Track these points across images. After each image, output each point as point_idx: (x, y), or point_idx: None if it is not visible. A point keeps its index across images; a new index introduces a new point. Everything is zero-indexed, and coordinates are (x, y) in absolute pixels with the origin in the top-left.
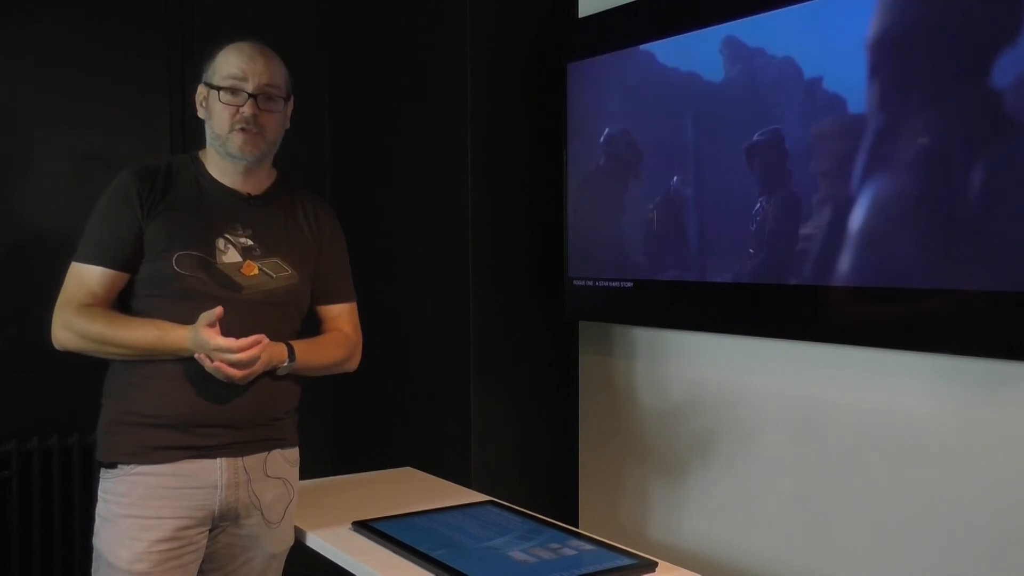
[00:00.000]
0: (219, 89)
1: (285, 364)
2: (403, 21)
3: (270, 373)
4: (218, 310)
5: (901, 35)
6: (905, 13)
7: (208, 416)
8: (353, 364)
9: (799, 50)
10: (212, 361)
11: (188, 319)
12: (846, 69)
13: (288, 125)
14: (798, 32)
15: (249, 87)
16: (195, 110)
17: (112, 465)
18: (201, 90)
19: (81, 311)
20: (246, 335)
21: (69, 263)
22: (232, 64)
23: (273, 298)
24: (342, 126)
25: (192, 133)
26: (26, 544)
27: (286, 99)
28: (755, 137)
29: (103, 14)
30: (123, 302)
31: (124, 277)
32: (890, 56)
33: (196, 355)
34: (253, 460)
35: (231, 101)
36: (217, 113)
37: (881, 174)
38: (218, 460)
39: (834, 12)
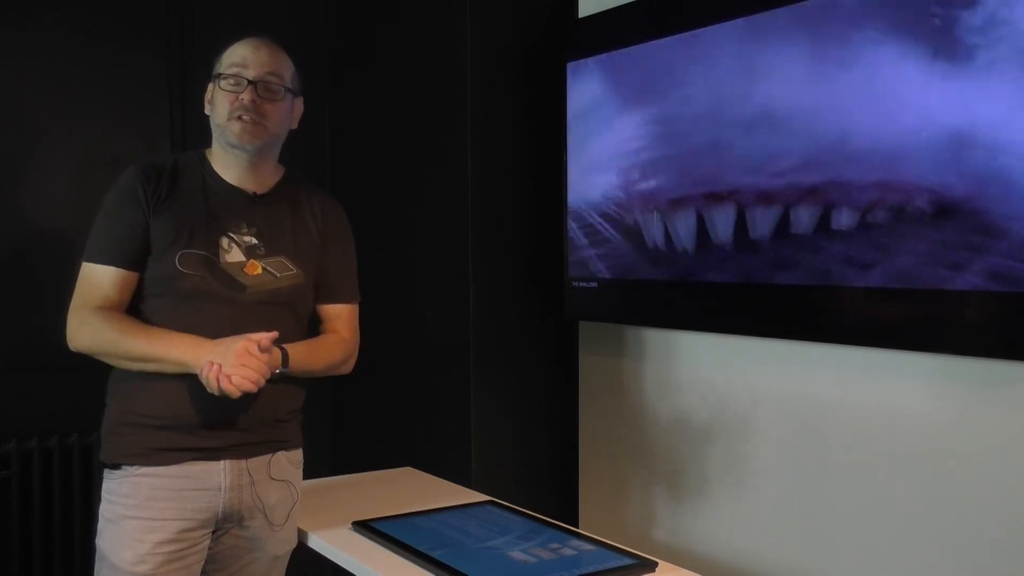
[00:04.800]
0: (221, 77)
1: (279, 370)
2: (403, 21)
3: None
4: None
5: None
6: None
7: (213, 418)
8: (348, 367)
9: (799, 48)
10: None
11: (194, 320)
12: (846, 69)
13: (295, 126)
14: (797, 31)
15: (249, 74)
16: (197, 109)
17: (116, 466)
18: (209, 87)
19: (98, 312)
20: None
21: (70, 263)
22: (236, 54)
23: (277, 298)
24: (342, 127)
25: (192, 133)
26: (26, 544)
27: (292, 93)
28: (753, 137)
29: (103, 14)
30: (132, 303)
31: (135, 276)
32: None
33: (200, 371)
34: (257, 462)
35: (232, 89)
36: (219, 102)
37: (880, 175)
38: (222, 462)
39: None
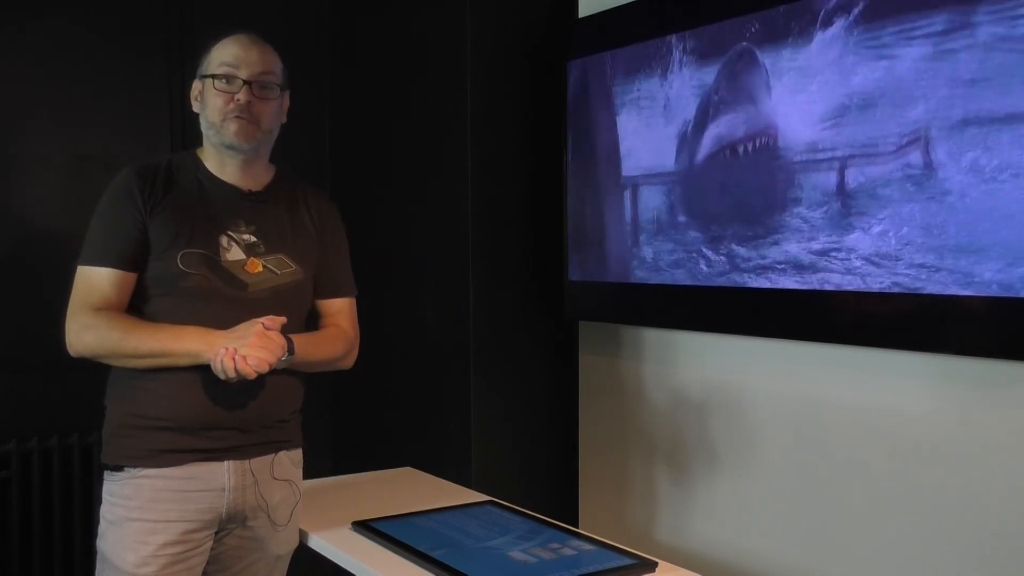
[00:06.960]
0: (213, 77)
1: (284, 357)
2: (404, 20)
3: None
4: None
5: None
6: None
7: (216, 418)
8: (350, 361)
9: (796, 48)
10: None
11: (198, 318)
12: (843, 71)
13: (285, 119)
14: (796, 30)
15: (243, 74)
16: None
17: (118, 468)
18: (196, 84)
19: (100, 314)
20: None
21: (70, 263)
22: (227, 52)
23: (278, 295)
24: (342, 127)
25: (192, 133)
26: (26, 544)
27: (282, 89)
28: (750, 137)
29: (103, 14)
30: (133, 304)
31: (133, 277)
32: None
33: (212, 356)
34: (260, 463)
35: (225, 89)
36: (211, 102)
37: (881, 177)
38: (225, 463)
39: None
